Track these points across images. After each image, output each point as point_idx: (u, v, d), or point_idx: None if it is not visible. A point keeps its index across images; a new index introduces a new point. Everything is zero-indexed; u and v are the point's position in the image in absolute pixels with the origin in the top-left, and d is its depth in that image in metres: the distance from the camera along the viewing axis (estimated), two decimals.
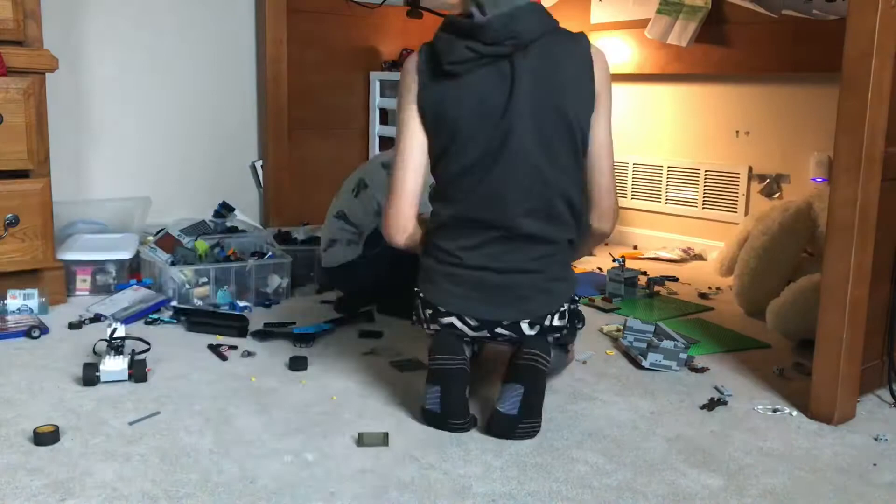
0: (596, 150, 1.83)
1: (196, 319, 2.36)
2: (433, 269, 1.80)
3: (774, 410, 1.89)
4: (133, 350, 2.08)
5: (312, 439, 1.67)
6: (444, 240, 1.78)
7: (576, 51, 1.77)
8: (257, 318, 2.47)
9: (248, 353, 2.16)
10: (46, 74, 2.44)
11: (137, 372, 1.95)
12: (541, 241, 1.76)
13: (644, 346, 2.17)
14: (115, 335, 1.99)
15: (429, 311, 1.80)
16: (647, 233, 3.78)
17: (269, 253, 2.78)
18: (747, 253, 2.69)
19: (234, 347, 2.20)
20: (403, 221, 1.79)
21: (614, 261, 3.05)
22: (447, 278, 1.77)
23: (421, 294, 1.82)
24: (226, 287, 2.60)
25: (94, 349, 2.13)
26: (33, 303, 2.44)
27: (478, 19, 1.68)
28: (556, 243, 1.78)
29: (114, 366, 1.94)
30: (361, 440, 1.65)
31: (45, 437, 1.62)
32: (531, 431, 1.69)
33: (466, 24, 1.68)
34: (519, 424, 1.68)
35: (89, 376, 1.92)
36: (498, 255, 1.74)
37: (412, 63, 1.76)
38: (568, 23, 4.01)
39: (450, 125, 1.72)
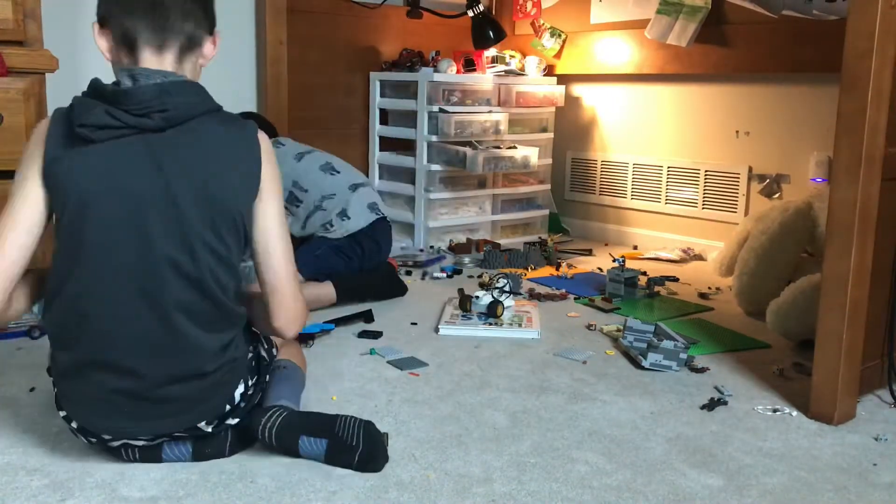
0: (263, 240, 1.54)
1: None
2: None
3: (774, 410, 1.89)
4: None
5: None
6: None
7: (239, 135, 1.52)
8: None
9: None
10: (46, 74, 2.44)
11: None
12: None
13: (644, 346, 2.17)
14: None
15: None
16: (646, 233, 3.78)
17: None
18: (747, 253, 2.69)
19: None
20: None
21: (614, 261, 3.05)
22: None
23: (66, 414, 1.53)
24: None
25: None
26: None
27: (124, 86, 1.47)
28: None
29: None
30: None
31: None
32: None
33: (110, 89, 1.47)
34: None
35: None
36: None
37: (41, 129, 1.52)
38: (568, 23, 4.05)
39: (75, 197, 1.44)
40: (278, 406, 1.58)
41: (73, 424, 1.52)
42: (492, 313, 2.47)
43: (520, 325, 2.42)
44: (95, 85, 1.49)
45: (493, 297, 2.51)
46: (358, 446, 1.54)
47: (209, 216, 1.45)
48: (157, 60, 1.49)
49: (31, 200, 1.46)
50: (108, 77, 1.53)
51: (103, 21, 1.50)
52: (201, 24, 1.52)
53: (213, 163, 1.47)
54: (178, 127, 1.46)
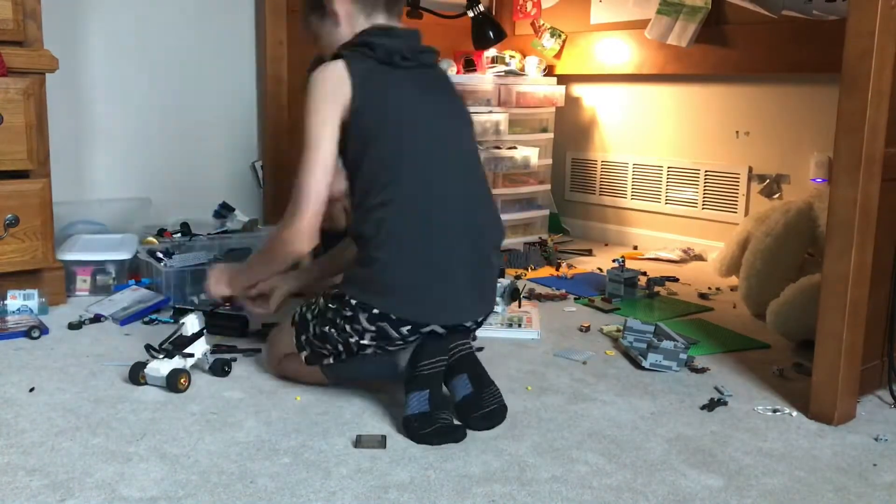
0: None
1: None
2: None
3: (774, 411, 1.89)
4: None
5: (312, 439, 1.67)
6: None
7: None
8: (257, 319, 2.47)
9: (251, 352, 2.16)
10: (46, 74, 2.44)
11: (170, 380, 1.90)
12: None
13: (644, 346, 2.17)
14: (182, 334, 1.98)
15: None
16: (646, 233, 3.78)
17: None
18: (752, 255, 2.69)
19: (233, 348, 2.20)
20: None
21: (614, 261, 3.05)
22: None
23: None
24: None
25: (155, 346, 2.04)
26: (33, 303, 2.44)
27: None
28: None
29: (159, 370, 1.91)
30: (359, 442, 1.65)
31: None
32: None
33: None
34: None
35: (133, 375, 1.92)
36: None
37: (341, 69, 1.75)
38: (568, 23, 4.05)
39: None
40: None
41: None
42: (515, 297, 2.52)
43: (520, 326, 2.42)
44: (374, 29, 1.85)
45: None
46: (481, 409, 1.74)
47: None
48: (389, 24, 1.87)
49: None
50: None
51: None
52: None
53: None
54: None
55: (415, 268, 1.72)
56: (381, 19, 1.85)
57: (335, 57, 1.76)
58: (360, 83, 1.71)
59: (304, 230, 1.74)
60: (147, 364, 1.93)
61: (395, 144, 1.72)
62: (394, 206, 1.70)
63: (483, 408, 1.74)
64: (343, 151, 1.75)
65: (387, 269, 1.71)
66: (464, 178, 1.81)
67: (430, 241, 1.72)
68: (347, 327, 1.75)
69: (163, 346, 1.97)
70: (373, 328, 1.73)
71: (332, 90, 1.71)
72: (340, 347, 1.79)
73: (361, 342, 1.76)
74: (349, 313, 1.74)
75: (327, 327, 1.78)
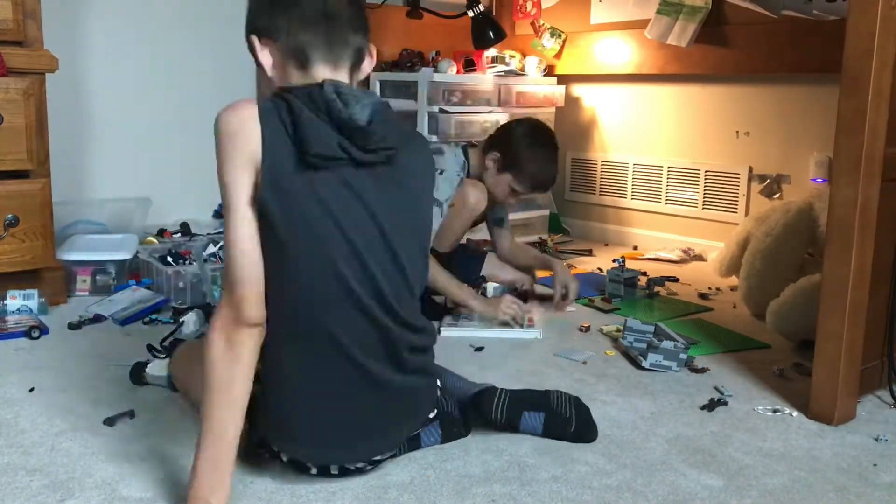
0: None
1: None
2: None
3: (774, 411, 1.89)
4: None
5: None
6: None
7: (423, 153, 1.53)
8: None
9: None
10: (46, 74, 2.44)
11: (172, 380, 1.87)
12: None
13: (644, 346, 2.17)
14: (182, 334, 1.98)
15: None
16: (646, 233, 3.78)
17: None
18: (752, 255, 2.69)
19: None
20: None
21: (614, 261, 3.05)
22: None
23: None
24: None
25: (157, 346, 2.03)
26: (33, 303, 2.44)
27: (348, 113, 1.32)
28: None
29: (160, 369, 1.91)
30: None
31: None
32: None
33: (344, 116, 1.32)
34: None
35: (134, 375, 1.92)
36: None
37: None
38: (568, 23, 4.05)
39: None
40: (496, 387, 1.72)
41: None
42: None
43: (521, 326, 2.42)
44: (321, 100, 1.32)
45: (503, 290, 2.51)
46: (572, 419, 1.69)
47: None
48: (335, 77, 1.39)
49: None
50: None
51: (266, 33, 1.39)
52: (366, 36, 1.43)
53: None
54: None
55: None
56: (324, 73, 1.39)
57: None
58: (266, 160, 1.29)
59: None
60: (148, 364, 1.93)
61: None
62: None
63: (568, 421, 1.69)
64: None
65: None
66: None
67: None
68: None
69: (164, 345, 1.97)
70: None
71: (247, 147, 1.30)
72: None
73: None
74: None
75: None
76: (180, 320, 2.02)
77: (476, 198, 2.51)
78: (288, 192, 1.30)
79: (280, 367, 1.39)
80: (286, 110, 1.31)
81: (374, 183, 1.38)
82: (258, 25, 1.40)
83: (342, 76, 1.40)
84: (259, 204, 1.30)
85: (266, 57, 1.41)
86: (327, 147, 1.31)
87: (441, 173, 2.50)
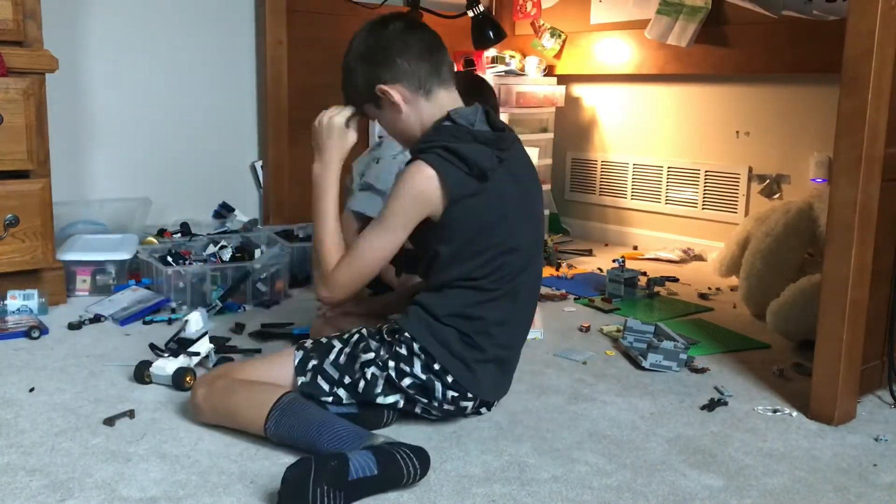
0: None
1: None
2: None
3: (774, 411, 1.89)
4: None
5: None
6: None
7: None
8: (256, 319, 2.47)
9: (252, 352, 2.16)
10: (46, 74, 2.44)
11: (176, 379, 1.90)
12: None
13: (644, 346, 2.17)
14: (186, 332, 1.96)
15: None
16: (646, 233, 3.78)
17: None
18: (752, 256, 2.69)
19: (234, 348, 2.20)
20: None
21: (614, 261, 3.05)
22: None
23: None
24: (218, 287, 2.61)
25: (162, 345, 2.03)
26: (33, 303, 2.44)
27: (494, 132, 1.68)
28: None
29: (164, 368, 1.91)
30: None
31: None
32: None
33: (490, 136, 1.67)
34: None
35: (138, 374, 1.92)
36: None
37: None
38: (568, 23, 4.04)
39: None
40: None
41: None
42: None
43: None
44: (462, 131, 1.65)
45: None
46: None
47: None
48: (449, 96, 1.72)
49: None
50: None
51: (392, 80, 1.68)
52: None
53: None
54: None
55: (494, 349, 1.70)
56: (442, 94, 1.71)
57: (420, 151, 1.66)
58: (454, 200, 1.62)
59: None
60: (152, 363, 1.93)
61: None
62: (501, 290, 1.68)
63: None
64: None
65: (469, 338, 1.68)
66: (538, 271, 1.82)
67: (514, 328, 1.74)
68: (392, 364, 1.66)
69: (168, 345, 1.97)
70: (421, 378, 1.66)
71: (423, 202, 1.63)
72: (362, 387, 1.66)
73: (387, 392, 1.67)
74: (404, 352, 1.66)
75: (365, 358, 1.67)
76: (184, 320, 2.02)
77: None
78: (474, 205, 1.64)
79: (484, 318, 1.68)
80: (447, 152, 1.62)
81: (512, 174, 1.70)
82: (382, 77, 1.69)
83: (452, 91, 1.73)
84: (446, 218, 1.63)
85: (399, 97, 1.69)
86: (486, 161, 1.63)
87: (377, 162, 2.45)
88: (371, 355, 1.68)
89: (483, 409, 1.79)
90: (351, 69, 1.75)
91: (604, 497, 1.48)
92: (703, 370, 2.13)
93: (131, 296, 2.58)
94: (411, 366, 1.66)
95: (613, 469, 1.58)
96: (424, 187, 1.62)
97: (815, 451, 1.69)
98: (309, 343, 1.74)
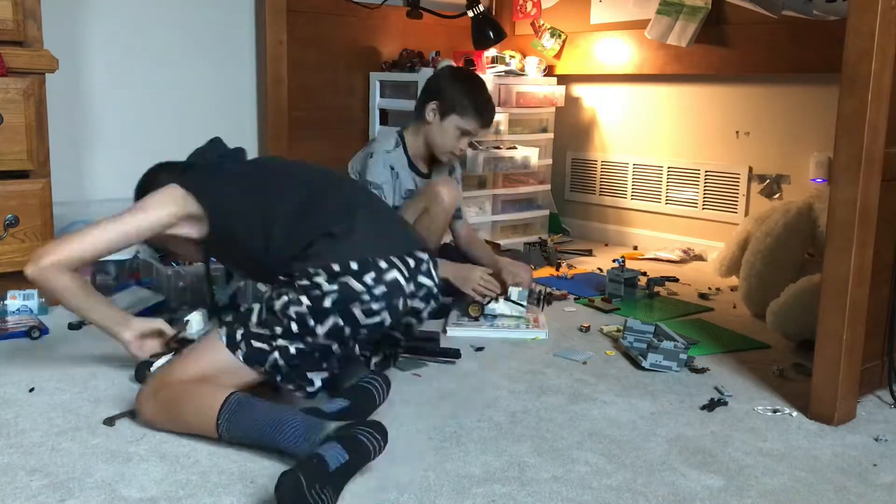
0: None
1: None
2: None
3: (774, 411, 1.89)
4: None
5: None
6: None
7: None
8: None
9: None
10: (46, 74, 2.44)
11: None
12: None
13: (644, 346, 2.17)
14: (187, 332, 1.97)
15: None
16: (646, 233, 3.78)
17: None
18: (752, 256, 2.69)
19: None
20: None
21: (614, 261, 3.05)
22: None
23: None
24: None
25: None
26: (33, 303, 2.44)
27: None
28: None
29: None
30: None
31: None
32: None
33: None
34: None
35: (139, 374, 1.92)
36: None
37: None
38: (568, 23, 4.04)
39: None
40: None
41: None
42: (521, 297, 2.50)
43: (527, 327, 2.42)
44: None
45: (511, 300, 2.49)
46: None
47: None
48: None
49: None
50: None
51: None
52: None
53: None
54: None
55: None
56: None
57: None
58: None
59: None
60: (153, 363, 1.93)
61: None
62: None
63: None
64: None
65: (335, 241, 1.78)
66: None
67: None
68: (304, 298, 1.68)
69: (169, 345, 1.97)
70: (335, 287, 1.69)
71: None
72: (294, 328, 1.68)
73: (319, 318, 1.68)
74: (305, 282, 1.70)
75: (280, 304, 1.69)
76: (185, 320, 2.02)
77: (449, 196, 2.48)
78: None
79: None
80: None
81: None
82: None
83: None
84: None
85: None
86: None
87: (371, 157, 2.54)
88: (284, 298, 1.70)
89: (424, 280, 1.83)
90: None
91: (604, 497, 1.48)
92: (703, 370, 2.13)
93: (131, 296, 2.58)
94: (318, 287, 1.69)
95: (613, 469, 1.58)
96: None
97: (815, 451, 1.69)
98: (228, 318, 1.78)
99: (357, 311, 1.71)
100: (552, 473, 1.56)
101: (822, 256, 1.84)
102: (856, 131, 1.72)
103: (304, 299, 1.69)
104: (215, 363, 1.70)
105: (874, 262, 1.81)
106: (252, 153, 3.56)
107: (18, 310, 2.42)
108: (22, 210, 2.42)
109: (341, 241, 1.77)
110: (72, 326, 2.35)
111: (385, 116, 3.78)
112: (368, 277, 1.72)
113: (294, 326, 1.69)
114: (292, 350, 1.69)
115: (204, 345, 1.76)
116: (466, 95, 2.55)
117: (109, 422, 1.72)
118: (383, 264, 1.75)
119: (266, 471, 1.53)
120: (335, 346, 1.73)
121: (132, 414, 1.76)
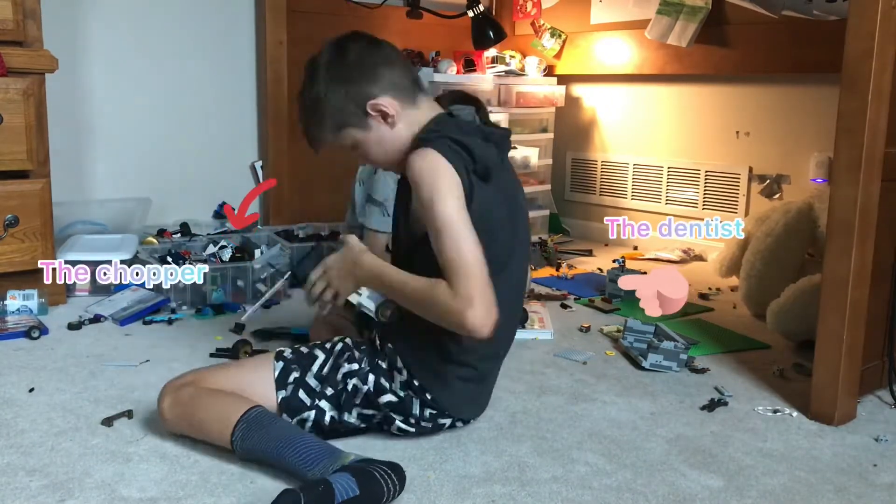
0: None
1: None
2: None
3: (774, 411, 1.89)
4: None
5: None
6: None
7: None
8: (256, 318, 2.47)
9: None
10: (46, 74, 2.44)
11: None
12: None
13: (644, 346, 2.17)
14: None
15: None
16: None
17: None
18: (753, 256, 2.69)
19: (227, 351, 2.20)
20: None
21: (614, 261, 3.05)
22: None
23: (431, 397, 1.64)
24: (218, 287, 2.61)
25: None
26: (33, 303, 2.44)
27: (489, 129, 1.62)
28: None
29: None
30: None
31: None
32: None
33: (488, 131, 1.61)
34: None
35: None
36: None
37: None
38: (568, 23, 4.04)
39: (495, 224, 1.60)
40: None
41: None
42: (521, 320, 2.41)
43: (532, 327, 2.42)
44: (470, 126, 1.61)
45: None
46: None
47: None
48: (430, 104, 1.67)
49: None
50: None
51: (381, 93, 1.59)
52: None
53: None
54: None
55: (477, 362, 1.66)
56: (425, 102, 1.65)
57: (424, 140, 1.56)
58: (470, 189, 1.54)
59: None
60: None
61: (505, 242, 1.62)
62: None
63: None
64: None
65: (451, 355, 1.62)
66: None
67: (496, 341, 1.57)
68: (372, 378, 1.62)
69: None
70: (399, 394, 1.62)
71: (456, 183, 1.52)
72: (341, 398, 1.62)
73: (364, 404, 1.63)
74: (385, 367, 1.63)
75: (347, 369, 1.63)
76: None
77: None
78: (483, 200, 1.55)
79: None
80: (455, 144, 1.54)
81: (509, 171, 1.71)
82: (371, 92, 1.59)
83: (431, 98, 1.68)
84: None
85: (392, 108, 1.60)
86: (492, 159, 1.58)
87: (376, 171, 2.46)
88: (354, 366, 1.63)
89: (459, 423, 1.73)
90: (321, 99, 1.60)
91: (604, 497, 1.48)
92: (703, 370, 2.13)
93: (131, 296, 2.58)
94: (391, 381, 1.63)
95: (613, 469, 1.58)
96: (442, 165, 1.50)
97: (815, 451, 1.69)
98: (289, 353, 1.67)
99: (395, 423, 1.65)
100: (552, 473, 1.56)
101: (822, 256, 1.84)
102: (856, 131, 1.72)
103: (371, 381, 1.62)
104: (253, 388, 1.62)
105: (874, 262, 1.81)
106: (252, 153, 3.58)
107: (18, 310, 2.42)
108: (22, 210, 2.42)
109: (458, 392, 1.65)
110: (72, 326, 2.35)
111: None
112: (428, 412, 1.64)
113: (343, 396, 1.63)
114: (326, 418, 1.63)
115: (253, 366, 1.68)
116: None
117: (108, 422, 1.72)
118: (451, 421, 1.69)
119: (266, 471, 1.53)
120: (361, 425, 1.67)
121: (130, 414, 1.76)
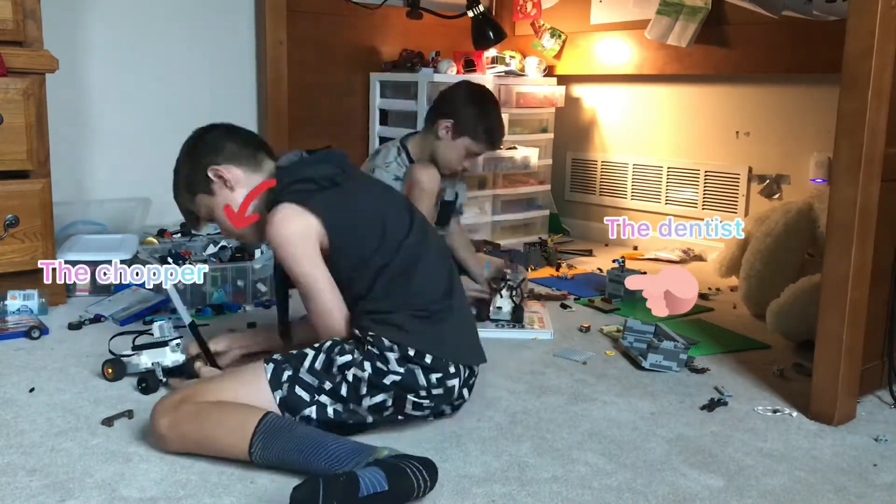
0: None
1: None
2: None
3: (774, 411, 1.89)
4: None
5: None
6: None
7: None
8: (256, 318, 2.47)
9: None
10: (46, 74, 2.44)
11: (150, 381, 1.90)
12: None
13: (644, 346, 2.17)
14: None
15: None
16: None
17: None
18: (752, 256, 2.69)
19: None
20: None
21: (614, 261, 3.05)
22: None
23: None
24: (219, 288, 2.60)
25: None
26: (33, 303, 2.44)
27: None
28: None
29: (172, 357, 1.92)
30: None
31: None
32: None
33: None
34: None
35: (152, 385, 1.90)
36: None
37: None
38: (568, 23, 4.04)
39: None
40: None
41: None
42: (517, 319, 2.44)
43: (532, 327, 2.42)
44: (292, 165, 1.88)
45: (513, 302, 2.46)
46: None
47: None
48: (271, 162, 1.96)
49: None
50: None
51: (225, 161, 1.85)
52: None
53: None
54: None
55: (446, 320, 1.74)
56: (269, 164, 1.90)
57: (273, 202, 1.75)
58: (327, 218, 1.72)
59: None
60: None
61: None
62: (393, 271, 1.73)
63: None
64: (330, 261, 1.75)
65: (427, 320, 1.71)
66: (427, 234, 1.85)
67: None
68: (368, 364, 1.63)
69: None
70: (401, 370, 1.63)
71: (304, 233, 1.71)
72: (344, 390, 1.63)
73: (371, 391, 1.63)
74: (375, 350, 1.64)
75: (342, 361, 1.63)
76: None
77: (429, 177, 2.47)
78: None
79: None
80: (294, 183, 1.78)
81: None
82: (212, 161, 1.84)
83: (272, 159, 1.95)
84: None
85: (228, 173, 1.84)
86: (330, 170, 1.80)
87: (373, 171, 2.54)
88: (348, 357, 1.64)
89: (466, 392, 1.76)
90: (177, 171, 1.88)
91: (604, 497, 1.48)
92: (703, 370, 2.13)
93: (131, 296, 2.58)
94: (386, 362, 1.64)
95: (613, 469, 1.58)
96: (297, 226, 1.71)
97: (815, 451, 1.69)
98: (278, 355, 1.68)
99: (408, 401, 1.66)
100: (552, 473, 1.56)
101: (822, 256, 1.84)
102: (856, 131, 1.72)
103: (368, 367, 1.63)
104: (249, 395, 1.61)
105: (874, 262, 1.81)
106: None
107: (18, 310, 2.42)
108: (22, 210, 2.42)
109: (430, 327, 1.70)
110: (72, 326, 2.35)
111: (385, 117, 3.78)
112: (434, 376, 1.66)
113: (344, 389, 1.63)
114: (329, 411, 1.63)
115: (245, 374, 1.67)
116: (481, 121, 2.53)
117: (108, 422, 1.72)
118: (452, 369, 1.69)
119: (266, 471, 1.53)
120: (369, 419, 1.67)
121: (130, 414, 1.76)
